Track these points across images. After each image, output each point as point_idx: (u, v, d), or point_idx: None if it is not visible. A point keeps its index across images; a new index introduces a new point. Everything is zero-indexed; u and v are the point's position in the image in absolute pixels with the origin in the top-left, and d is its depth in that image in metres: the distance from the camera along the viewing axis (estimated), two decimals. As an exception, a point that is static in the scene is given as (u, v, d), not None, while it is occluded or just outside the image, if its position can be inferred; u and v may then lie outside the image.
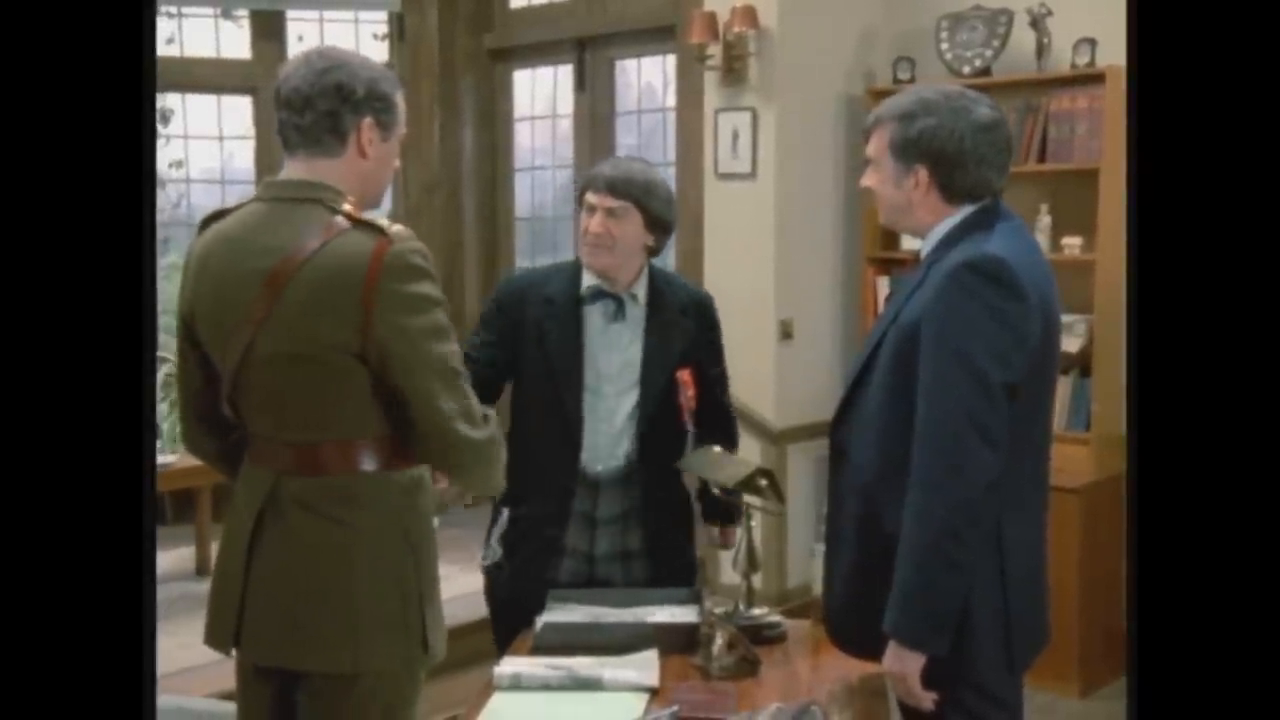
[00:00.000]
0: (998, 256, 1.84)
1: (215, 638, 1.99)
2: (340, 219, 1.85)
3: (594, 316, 2.46)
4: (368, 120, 1.90)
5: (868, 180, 2.04)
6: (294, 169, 1.93)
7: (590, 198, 2.43)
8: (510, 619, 2.40)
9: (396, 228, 1.87)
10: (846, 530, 1.99)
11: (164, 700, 2.27)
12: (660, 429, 2.44)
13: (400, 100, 1.97)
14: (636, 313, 2.48)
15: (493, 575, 2.50)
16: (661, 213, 2.45)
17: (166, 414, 4.40)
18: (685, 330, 2.51)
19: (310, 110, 1.88)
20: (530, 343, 2.44)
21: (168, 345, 5.50)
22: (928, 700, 1.86)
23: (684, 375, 2.42)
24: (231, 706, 2.32)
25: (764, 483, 2.31)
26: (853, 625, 1.99)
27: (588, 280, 2.47)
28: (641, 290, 2.49)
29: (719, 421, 2.55)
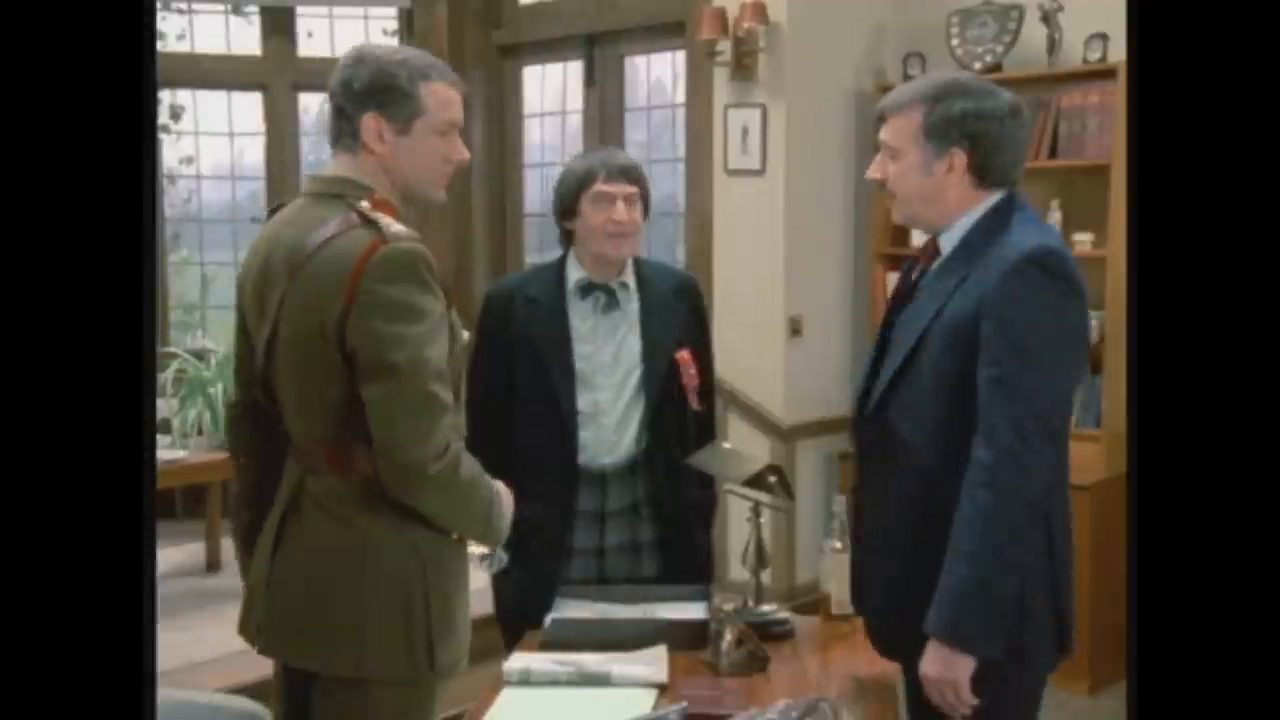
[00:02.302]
0: (1059, 250, 1.81)
1: (244, 629, 2.02)
2: (354, 215, 1.84)
3: (583, 310, 2.45)
4: (369, 114, 1.88)
5: (878, 171, 1.96)
6: (330, 164, 1.96)
7: (608, 187, 2.38)
8: (517, 622, 2.37)
9: (397, 228, 1.82)
10: (897, 533, 1.92)
11: (174, 694, 2.28)
12: (665, 415, 2.45)
13: (431, 89, 1.89)
14: (629, 301, 2.47)
15: (499, 581, 2.43)
16: (650, 197, 2.49)
17: (177, 410, 4.42)
18: (679, 313, 2.51)
19: (332, 107, 1.92)
20: (519, 344, 2.41)
21: (178, 341, 5.54)
22: (968, 705, 1.82)
23: (683, 356, 2.44)
24: (240, 701, 2.33)
25: (773, 479, 2.31)
26: (905, 627, 1.89)
27: (576, 274, 2.45)
28: (630, 278, 2.48)
29: (707, 408, 2.56)
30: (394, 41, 5.79)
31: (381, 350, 1.77)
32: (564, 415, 2.39)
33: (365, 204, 1.86)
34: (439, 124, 1.92)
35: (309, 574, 1.90)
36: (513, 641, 2.35)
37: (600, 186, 2.39)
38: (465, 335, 1.95)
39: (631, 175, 2.42)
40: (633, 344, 2.45)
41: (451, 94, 1.93)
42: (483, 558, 2.05)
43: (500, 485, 1.98)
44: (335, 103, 1.90)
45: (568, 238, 2.49)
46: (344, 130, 1.90)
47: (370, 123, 1.88)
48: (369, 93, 1.87)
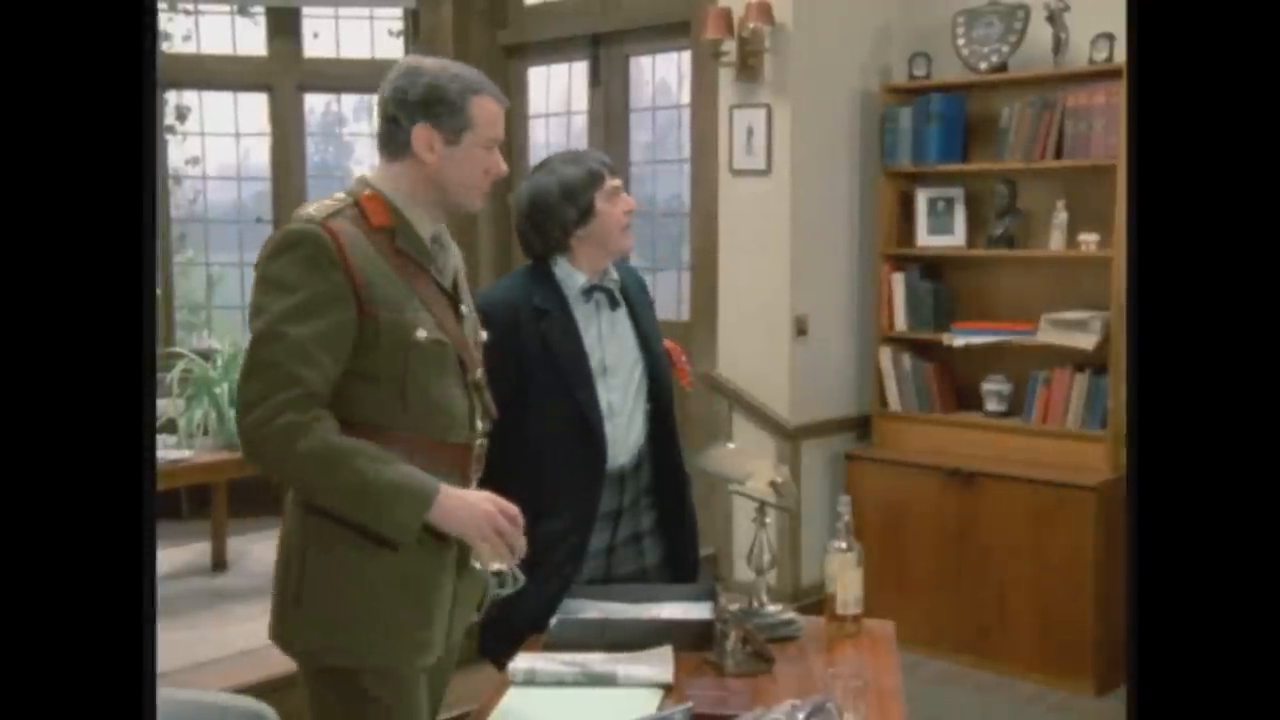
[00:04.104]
0: None
1: None
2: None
3: (587, 313, 2.46)
4: (422, 125, 1.94)
5: None
6: (374, 169, 2.03)
7: (616, 181, 2.46)
8: (523, 632, 2.28)
9: (309, 210, 1.91)
10: None
11: (180, 694, 2.28)
12: (664, 405, 2.52)
13: (478, 104, 1.97)
14: (621, 300, 2.52)
15: (509, 600, 2.12)
16: None
17: (183, 410, 4.42)
18: (651, 305, 2.62)
19: (381, 116, 1.99)
20: (535, 358, 2.39)
21: (183, 341, 5.54)
22: None
23: (670, 344, 2.57)
24: (246, 700, 2.33)
25: (779, 479, 2.31)
26: None
27: (579, 279, 2.45)
28: (616, 276, 2.52)
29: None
30: (399, 42, 5.80)
31: (250, 318, 1.89)
32: (591, 425, 2.39)
33: (340, 194, 1.95)
34: (484, 138, 1.98)
35: None
36: (510, 649, 2.22)
37: (612, 181, 2.44)
38: (422, 334, 1.91)
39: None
40: (630, 340, 2.50)
41: (497, 110, 2.00)
42: (495, 574, 1.96)
43: (455, 490, 1.90)
44: (388, 111, 1.96)
45: (558, 246, 2.44)
46: (396, 138, 1.96)
47: (422, 133, 1.94)
48: (423, 104, 1.94)
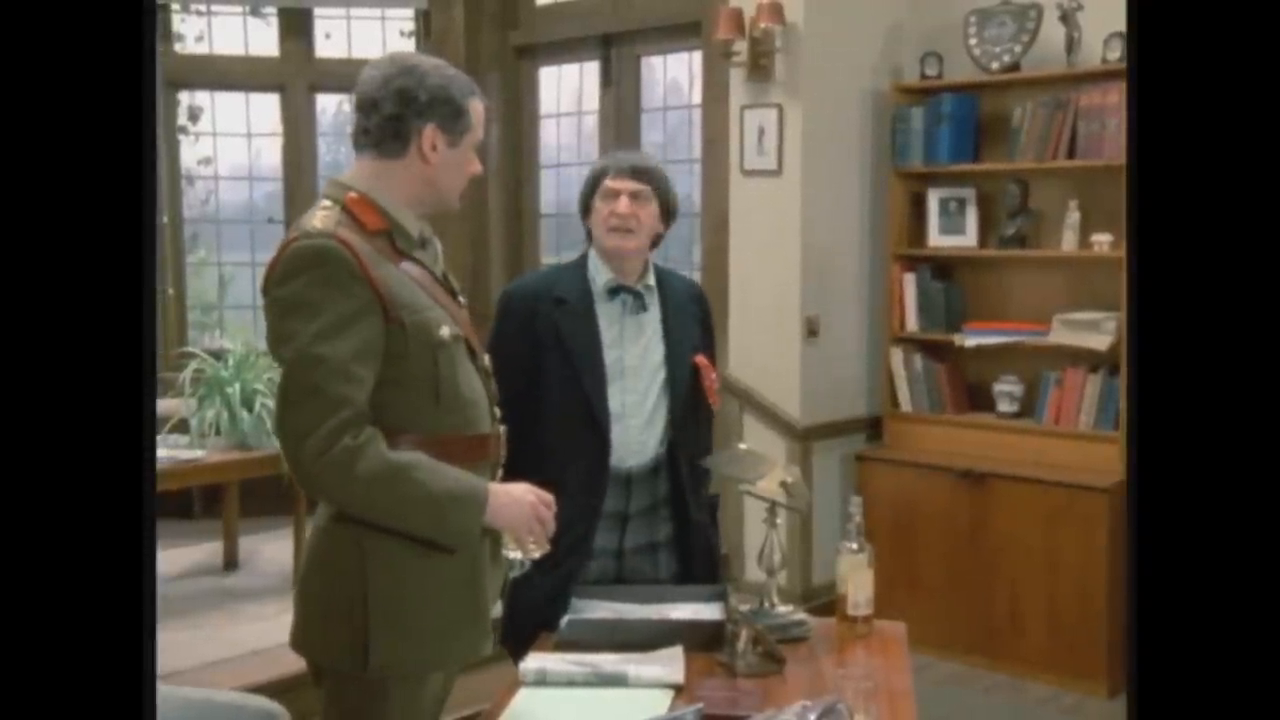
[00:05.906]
0: None
1: None
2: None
3: (611, 311, 2.46)
4: (430, 126, 1.91)
5: None
6: (353, 168, 1.98)
7: (613, 183, 2.43)
8: (529, 625, 2.32)
9: (316, 224, 1.85)
10: None
11: (193, 693, 2.29)
12: (687, 417, 2.48)
13: (474, 106, 1.97)
14: (653, 304, 2.50)
15: (518, 586, 2.27)
16: (673, 201, 2.51)
17: (195, 409, 4.43)
18: (695, 318, 2.57)
19: (375, 113, 1.91)
20: (548, 347, 2.41)
21: (195, 341, 5.55)
22: None
23: (702, 360, 2.50)
24: (258, 699, 2.34)
25: (790, 480, 2.31)
26: None
27: (604, 276, 2.46)
28: (652, 281, 2.51)
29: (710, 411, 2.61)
30: (411, 42, 5.81)
31: (274, 347, 1.84)
32: (597, 417, 2.39)
33: (327, 202, 1.90)
34: (476, 140, 1.99)
35: (302, 561, 2.00)
36: (521, 642, 2.29)
37: (608, 182, 2.44)
38: (445, 331, 1.91)
39: (640, 173, 2.44)
40: (657, 346, 2.48)
41: (483, 111, 2.01)
42: (508, 563, 2.03)
43: (501, 487, 1.95)
44: (390, 109, 1.90)
45: (589, 237, 2.52)
46: (398, 136, 1.91)
47: (430, 134, 1.92)
48: (431, 104, 1.91)
